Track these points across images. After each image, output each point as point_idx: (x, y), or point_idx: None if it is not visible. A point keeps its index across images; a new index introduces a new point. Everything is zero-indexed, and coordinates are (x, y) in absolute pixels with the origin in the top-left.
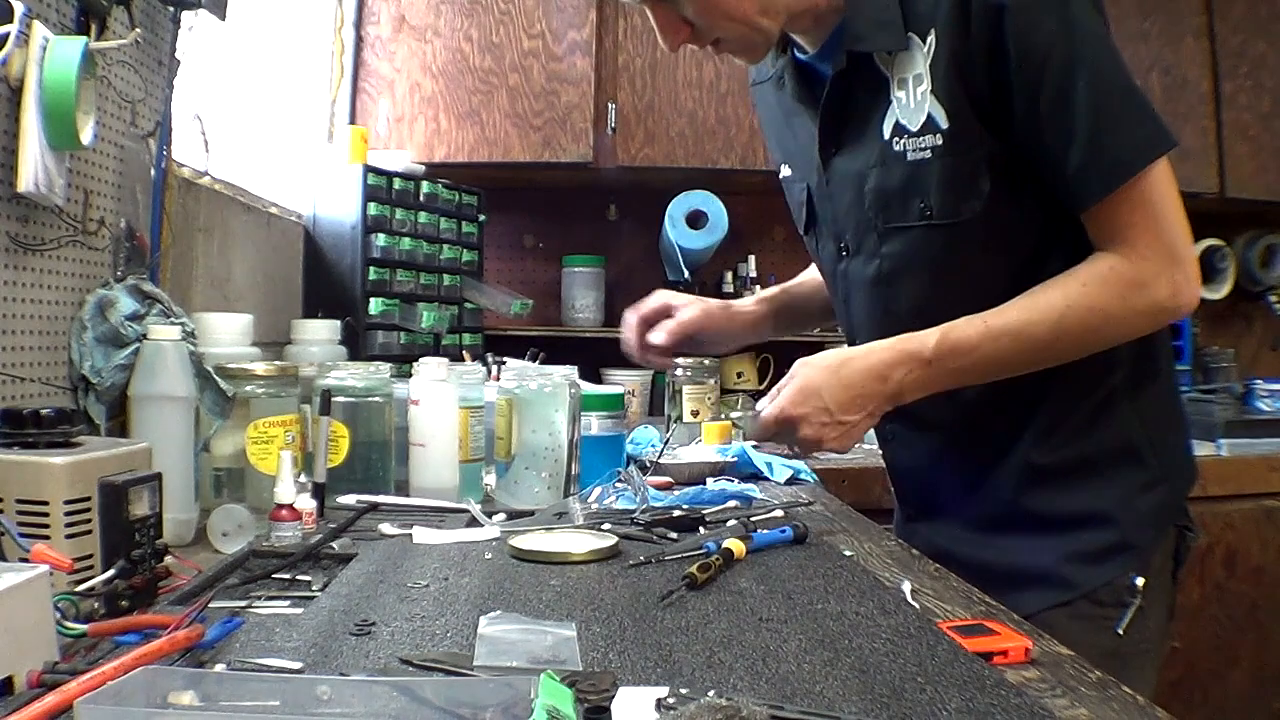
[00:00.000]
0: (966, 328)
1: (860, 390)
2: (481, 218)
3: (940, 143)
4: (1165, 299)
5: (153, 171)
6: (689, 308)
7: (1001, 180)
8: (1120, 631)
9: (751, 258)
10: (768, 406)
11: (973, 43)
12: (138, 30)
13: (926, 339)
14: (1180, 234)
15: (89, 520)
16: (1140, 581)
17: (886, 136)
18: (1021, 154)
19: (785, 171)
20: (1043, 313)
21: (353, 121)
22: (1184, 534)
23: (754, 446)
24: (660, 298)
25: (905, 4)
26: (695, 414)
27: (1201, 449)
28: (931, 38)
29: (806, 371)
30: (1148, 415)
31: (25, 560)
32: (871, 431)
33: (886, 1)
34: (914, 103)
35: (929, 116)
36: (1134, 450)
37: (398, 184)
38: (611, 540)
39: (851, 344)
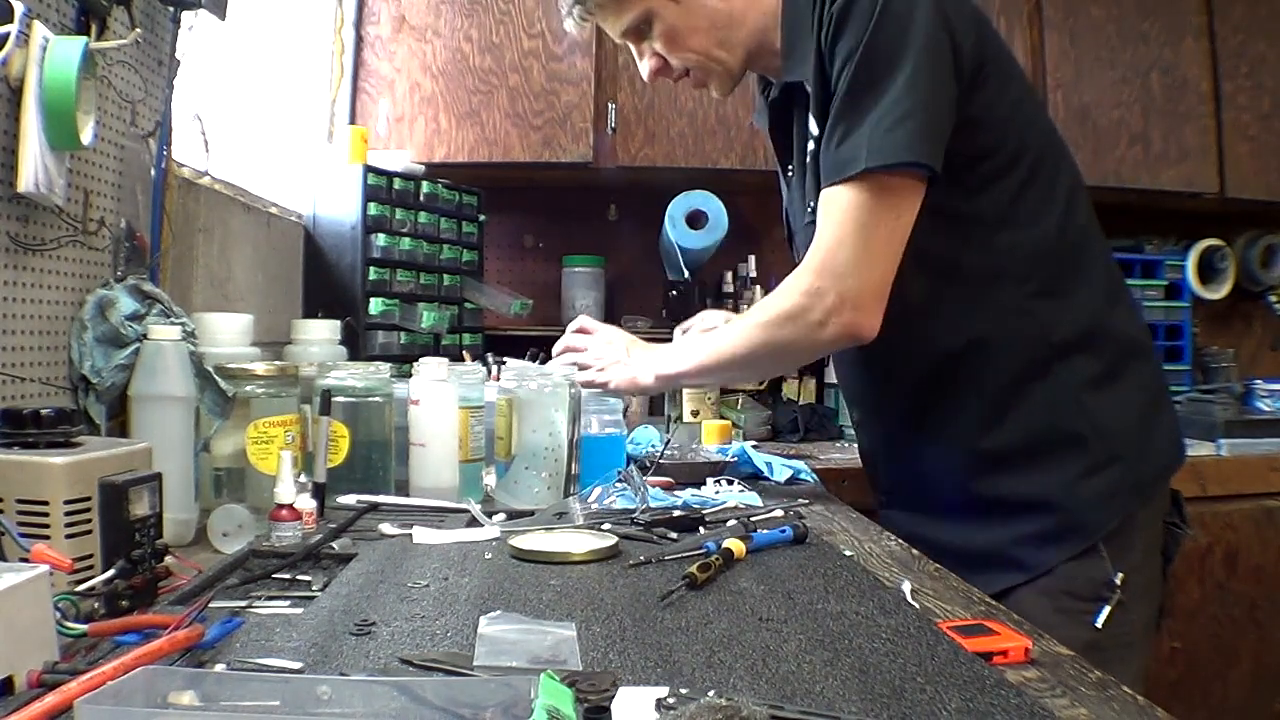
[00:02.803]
0: (715, 336)
1: (643, 353)
2: (481, 218)
3: (814, 148)
4: (820, 317)
5: (153, 171)
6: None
7: None
8: (1098, 625)
9: (751, 258)
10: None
11: (823, 56)
12: (138, 30)
13: (685, 341)
14: (855, 258)
15: (89, 520)
16: (1120, 577)
17: (809, 150)
18: None
19: (784, 190)
20: (755, 325)
21: (353, 121)
22: (1173, 530)
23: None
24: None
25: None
26: (695, 414)
27: (1201, 449)
28: (813, 58)
29: (617, 331)
30: (1094, 401)
31: (25, 560)
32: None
33: (806, 36)
34: (814, 118)
35: (810, 128)
36: (1076, 436)
37: (398, 184)
38: (611, 540)
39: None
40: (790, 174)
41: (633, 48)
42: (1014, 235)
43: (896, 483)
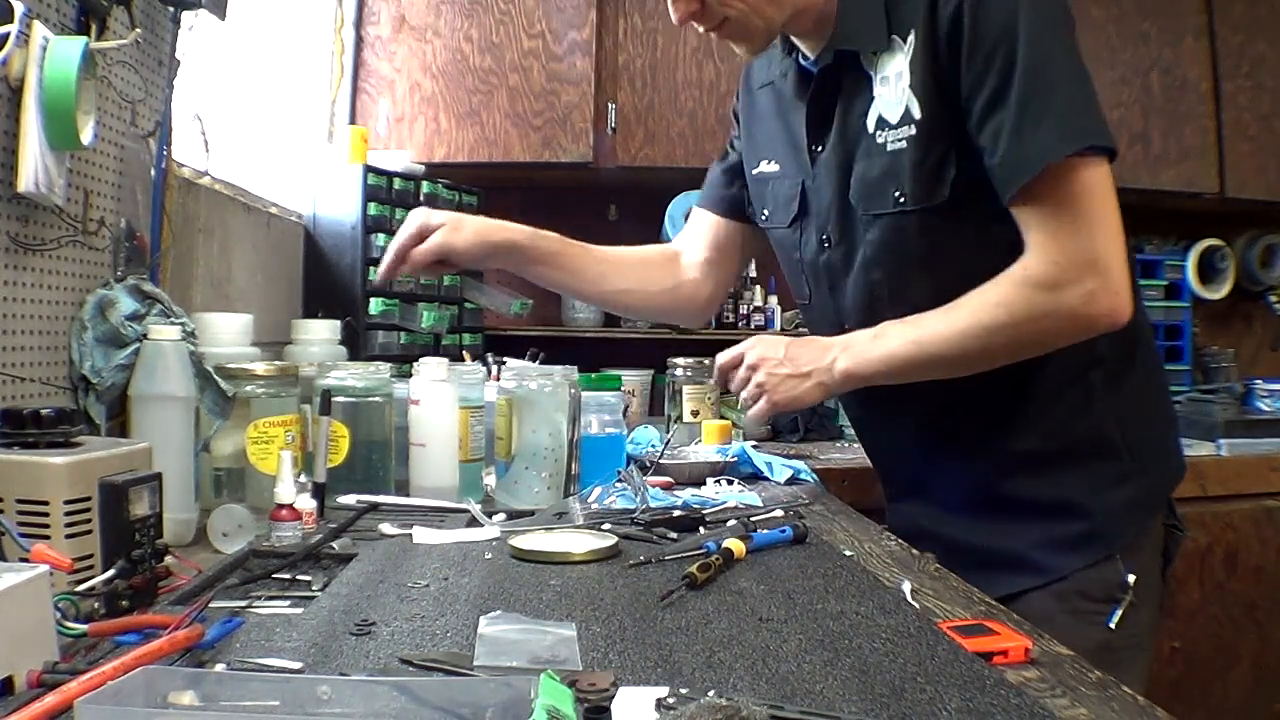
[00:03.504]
0: (904, 326)
1: (807, 353)
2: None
3: (914, 133)
4: (1077, 305)
5: (153, 171)
6: (441, 230)
7: (966, 168)
8: (1112, 626)
9: (751, 259)
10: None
11: (940, 39)
12: (138, 30)
13: (861, 334)
14: (1104, 241)
15: (89, 520)
16: (1132, 578)
17: (870, 130)
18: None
19: (767, 168)
20: (969, 317)
21: (353, 121)
22: (1172, 533)
23: (722, 392)
24: (415, 220)
25: (889, 9)
26: (695, 414)
27: (1201, 449)
28: (912, 36)
29: (762, 337)
30: (1125, 410)
31: (25, 560)
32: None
33: (872, 5)
34: (894, 97)
35: (906, 109)
36: (1109, 443)
37: (398, 184)
38: (611, 540)
39: (840, 331)
40: (819, 150)
41: None
42: None
43: (909, 479)
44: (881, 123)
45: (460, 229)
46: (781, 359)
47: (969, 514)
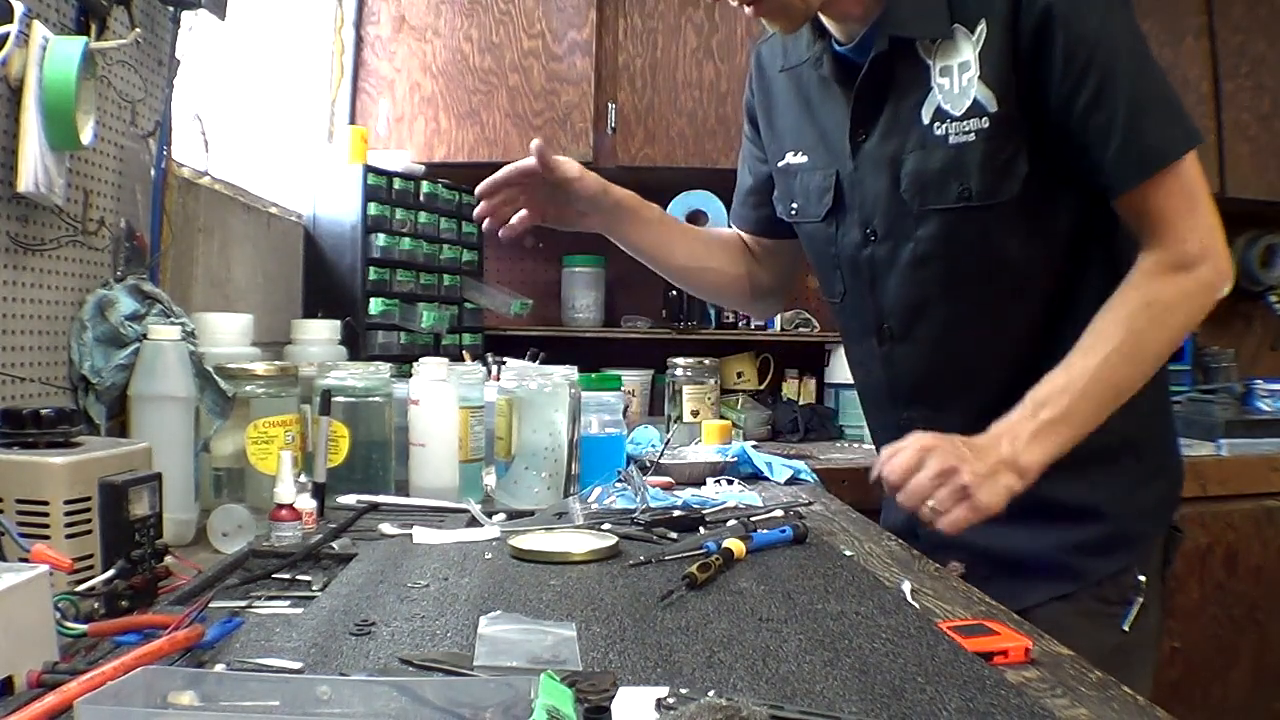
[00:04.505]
0: (1050, 381)
1: (985, 445)
2: None
3: (986, 125)
4: (1212, 277)
5: (153, 171)
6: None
7: (1038, 165)
8: (1126, 628)
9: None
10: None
11: (1021, 36)
12: (138, 30)
13: (1017, 410)
14: (1215, 219)
15: (89, 520)
16: (1143, 578)
17: (926, 121)
18: (1060, 141)
19: (795, 159)
20: (1113, 331)
21: (353, 121)
22: (1173, 534)
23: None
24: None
25: None
26: (695, 414)
27: (1201, 449)
28: (982, 27)
29: (922, 435)
30: (1144, 412)
31: (25, 560)
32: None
33: None
34: (958, 88)
35: (975, 101)
36: (1132, 445)
37: (398, 184)
38: (611, 540)
39: (880, 329)
40: (864, 140)
41: None
42: (1125, 240)
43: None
44: (941, 114)
45: (584, 173)
46: (968, 456)
47: (998, 519)
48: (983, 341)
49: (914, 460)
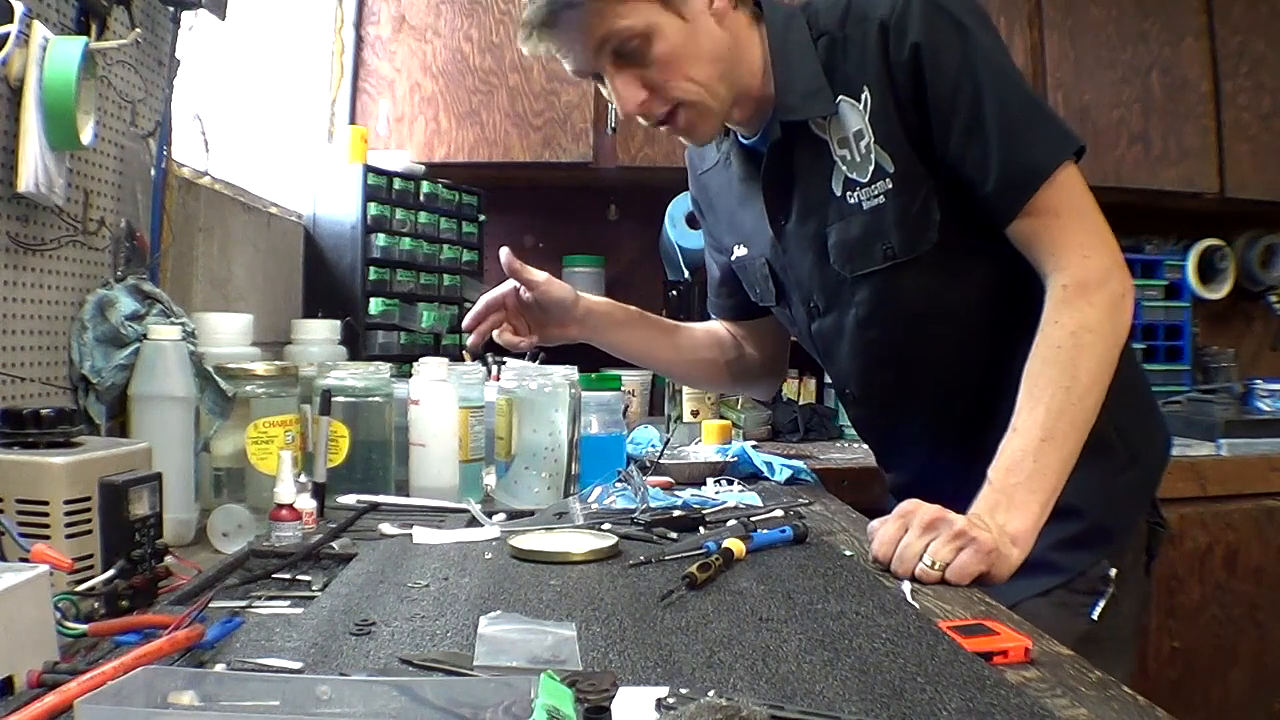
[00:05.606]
0: (1006, 450)
1: (971, 521)
2: (481, 218)
3: (891, 186)
4: (1122, 288)
5: (153, 171)
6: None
7: (949, 209)
8: (1094, 617)
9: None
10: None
11: (899, 88)
12: (138, 30)
13: (984, 490)
14: (1104, 224)
15: (89, 520)
16: (1114, 571)
17: (839, 193)
18: (956, 182)
19: (740, 252)
20: (1048, 375)
21: (353, 121)
22: (1154, 529)
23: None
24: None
25: (830, 74)
26: (695, 414)
27: (1201, 449)
28: (866, 95)
29: (903, 504)
30: (1111, 402)
31: (25, 560)
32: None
33: (813, 74)
34: (859, 156)
35: (876, 165)
36: (1102, 437)
37: (398, 184)
38: (611, 540)
39: (842, 394)
40: (784, 223)
41: (611, 80)
42: None
43: (912, 481)
44: (850, 183)
45: (551, 280)
46: (957, 516)
47: None
48: (939, 389)
49: (895, 528)
